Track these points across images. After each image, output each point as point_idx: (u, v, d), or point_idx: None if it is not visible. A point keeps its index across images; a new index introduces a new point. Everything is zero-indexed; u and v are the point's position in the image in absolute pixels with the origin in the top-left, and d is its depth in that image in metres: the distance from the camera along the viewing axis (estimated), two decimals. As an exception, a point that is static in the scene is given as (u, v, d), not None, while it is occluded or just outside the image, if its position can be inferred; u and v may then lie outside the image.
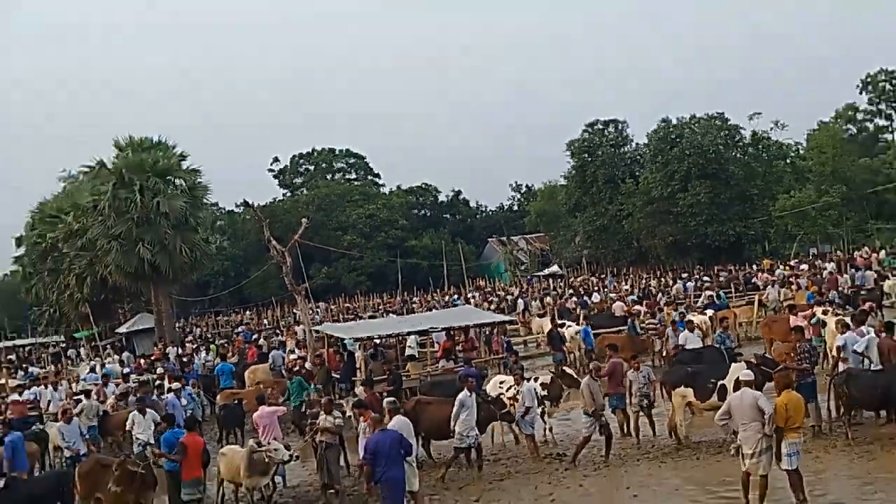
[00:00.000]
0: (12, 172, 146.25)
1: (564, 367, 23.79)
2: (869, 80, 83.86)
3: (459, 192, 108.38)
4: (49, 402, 28.41)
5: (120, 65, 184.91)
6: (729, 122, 68.40)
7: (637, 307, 37.14)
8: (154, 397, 25.93)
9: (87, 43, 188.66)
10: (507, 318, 39.48)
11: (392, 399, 18.16)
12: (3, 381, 38.53)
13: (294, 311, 51.88)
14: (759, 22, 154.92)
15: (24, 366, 49.14)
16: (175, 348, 43.23)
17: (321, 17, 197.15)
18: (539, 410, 20.02)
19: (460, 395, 18.14)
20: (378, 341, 31.08)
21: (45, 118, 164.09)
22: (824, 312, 24.79)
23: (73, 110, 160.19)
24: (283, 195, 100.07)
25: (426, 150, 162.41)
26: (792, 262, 54.04)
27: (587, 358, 28.15)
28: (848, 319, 22.06)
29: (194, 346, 45.11)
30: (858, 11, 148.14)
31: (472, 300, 56.36)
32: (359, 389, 22.70)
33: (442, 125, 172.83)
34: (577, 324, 33.61)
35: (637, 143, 74.08)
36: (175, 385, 27.38)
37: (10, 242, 66.08)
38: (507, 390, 20.28)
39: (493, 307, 48.02)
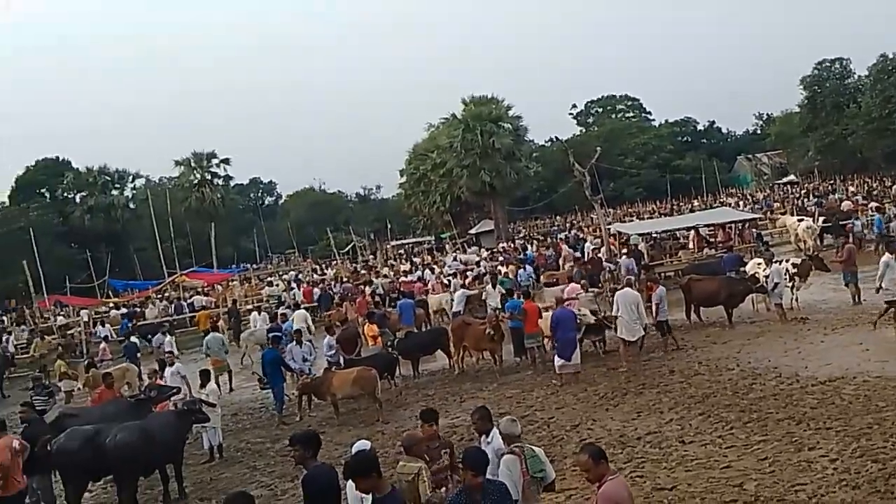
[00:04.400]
0: (396, 129, 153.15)
1: (817, 253, 22.13)
2: None
3: (713, 122, 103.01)
4: (428, 280, 29.99)
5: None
6: (942, 52, 60.71)
7: (863, 202, 34.08)
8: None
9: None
10: (755, 215, 37.33)
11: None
12: (398, 267, 41.18)
13: (591, 215, 51.43)
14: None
15: (409, 257, 52.14)
16: (509, 244, 44.25)
17: None
18: (789, 285, 18.85)
19: (884, 258, 15.64)
20: (655, 235, 30.42)
21: (413, 89, 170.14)
22: None
23: (431, 80, 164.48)
24: (581, 131, 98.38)
25: (691, 85, 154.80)
26: None
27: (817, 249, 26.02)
28: None
29: (521, 242, 45.92)
30: None
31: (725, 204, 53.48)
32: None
33: (701, 67, 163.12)
34: (814, 220, 31.02)
35: (859, 76, 67.30)
36: (510, 268, 28.13)
37: (396, 174, 69.88)
38: (762, 270, 19.24)
39: (743, 208, 45.45)
